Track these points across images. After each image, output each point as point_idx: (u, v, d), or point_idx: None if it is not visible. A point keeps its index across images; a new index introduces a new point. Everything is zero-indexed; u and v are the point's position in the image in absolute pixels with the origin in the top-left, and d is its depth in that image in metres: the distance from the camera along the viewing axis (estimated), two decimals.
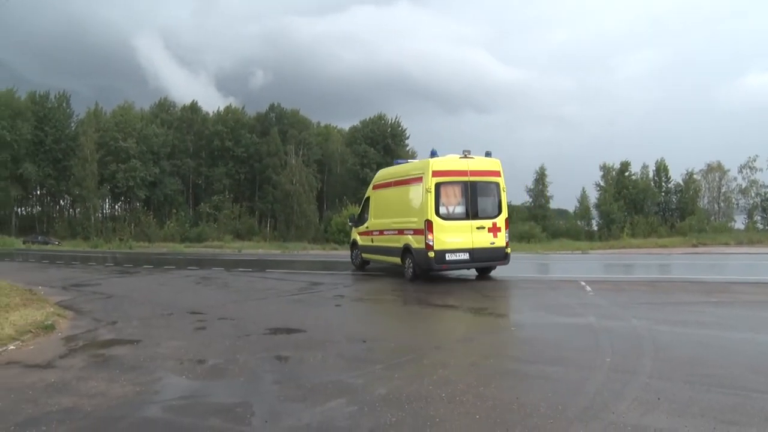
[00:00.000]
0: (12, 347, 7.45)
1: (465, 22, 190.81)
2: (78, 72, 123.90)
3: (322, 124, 79.59)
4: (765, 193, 54.35)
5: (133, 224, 59.18)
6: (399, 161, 17.75)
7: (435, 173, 13.22)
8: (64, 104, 65.75)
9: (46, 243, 52.39)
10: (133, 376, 5.99)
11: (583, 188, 61.20)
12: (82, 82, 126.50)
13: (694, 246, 28.45)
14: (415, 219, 13.64)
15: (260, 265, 21.72)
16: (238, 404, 5.06)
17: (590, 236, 51.20)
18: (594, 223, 59.30)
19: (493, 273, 14.48)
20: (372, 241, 16.31)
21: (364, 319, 10.28)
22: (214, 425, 4.60)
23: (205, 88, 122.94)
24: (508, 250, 13.89)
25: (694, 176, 59.40)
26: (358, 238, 17.56)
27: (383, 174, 16.68)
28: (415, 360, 6.56)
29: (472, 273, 14.73)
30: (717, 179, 59.64)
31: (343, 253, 24.64)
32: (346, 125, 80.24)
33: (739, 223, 52.18)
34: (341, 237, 42.03)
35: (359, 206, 19.00)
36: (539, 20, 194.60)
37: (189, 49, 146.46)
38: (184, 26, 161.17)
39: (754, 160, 54.60)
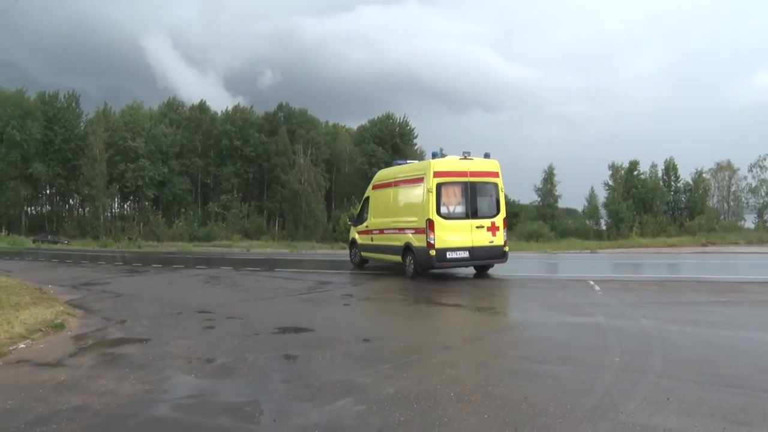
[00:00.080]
0: (22, 346, 7.50)
1: (473, 21, 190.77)
2: (87, 72, 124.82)
3: (331, 124, 79.68)
4: None
5: (142, 223, 59.45)
6: (399, 162, 17.85)
7: (436, 174, 13.52)
8: (74, 104, 66.12)
9: (56, 242, 52.71)
10: (142, 375, 6.02)
11: (592, 187, 60.89)
12: (91, 82, 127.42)
13: (704, 245, 28.21)
14: (416, 218, 13.88)
15: (269, 264, 21.79)
16: (246, 403, 5.07)
17: (599, 235, 50.86)
18: (603, 222, 58.94)
19: (499, 272, 14.53)
20: (372, 240, 16.42)
21: (372, 318, 10.29)
22: (222, 424, 4.61)
23: (213, 87, 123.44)
24: (506, 248, 14.23)
25: (704, 175, 58.98)
26: (357, 237, 17.64)
27: (383, 174, 16.80)
28: (424, 359, 6.55)
29: (472, 271, 14.88)
30: (727, 178, 59.15)
31: None
32: (354, 124, 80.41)
33: (749, 222, 51.75)
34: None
35: None
36: (547, 19, 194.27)
37: (197, 48, 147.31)
38: (192, 26, 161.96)
39: (765, 159, 54.33)
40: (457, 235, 13.50)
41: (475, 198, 13.88)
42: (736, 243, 28.40)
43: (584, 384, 5.27)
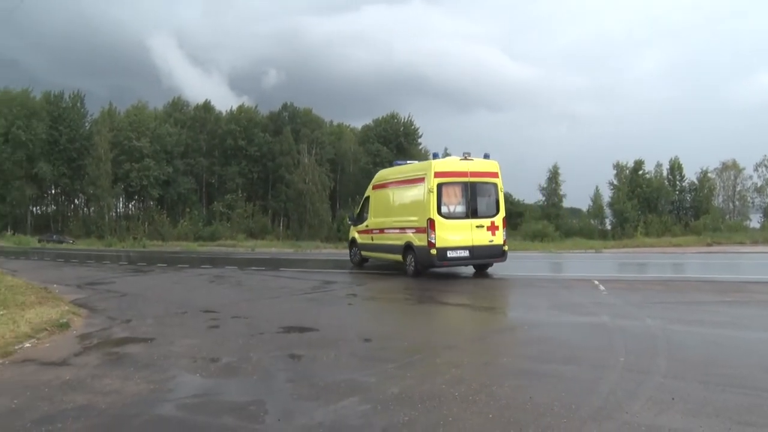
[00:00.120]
0: (28, 345, 7.52)
1: (477, 20, 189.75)
2: (92, 72, 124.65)
3: (335, 123, 79.48)
4: None
5: (146, 223, 59.59)
6: (398, 162, 17.92)
7: (437, 174, 13.69)
8: (79, 104, 66.15)
9: (61, 242, 52.83)
10: (147, 374, 6.03)
11: (597, 187, 60.62)
12: (96, 82, 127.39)
13: (709, 245, 28.15)
14: (417, 218, 14.03)
15: (273, 263, 21.83)
16: (251, 402, 5.08)
17: (604, 235, 50.71)
18: (607, 221, 58.72)
19: (504, 271, 14.62)
20: (372, 239, 16.51)
21: (376, 317, 10.29)
22: (227, 423, 4.62)
23: (218, 87, 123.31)
24: (506, 247, 14.39)
25: (709, 175, 58.70)
26: (357, 236, 17.71)
27: (383, 174, 16.87)
28: (428, 359, 6.56)
29: (472, 270, 14.95)
30: (732, 177, 58.93)
31: None
32: (358, 124, 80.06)
33: (755, 221, 51.59)
34: None
35: None
36: (551, 18, 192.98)
37: (202, 48, 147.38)
38: (197, 26, 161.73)
39: None
40: (458, 234, 13.65)
41: (475, 198, 14.07)
42: (741, 243, 28.34)
43: (589, 384, 5.26)
